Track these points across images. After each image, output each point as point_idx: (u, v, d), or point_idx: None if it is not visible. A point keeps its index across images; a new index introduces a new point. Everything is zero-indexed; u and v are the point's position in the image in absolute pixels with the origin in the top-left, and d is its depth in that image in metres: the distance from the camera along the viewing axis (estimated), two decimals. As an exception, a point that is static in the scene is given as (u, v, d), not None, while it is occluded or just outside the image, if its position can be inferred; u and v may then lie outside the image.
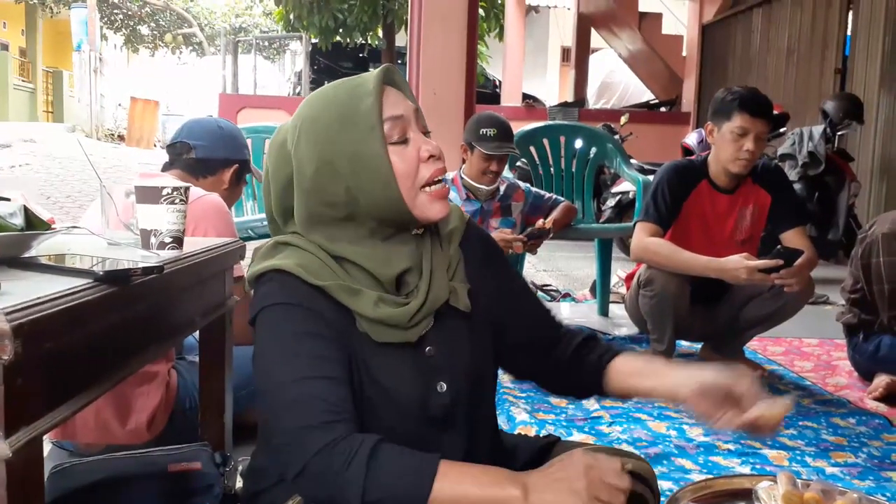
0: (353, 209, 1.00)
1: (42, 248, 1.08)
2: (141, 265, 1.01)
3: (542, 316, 1.18)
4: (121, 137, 17.07)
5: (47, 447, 1.78)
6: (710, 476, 1.59)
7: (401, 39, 9.64)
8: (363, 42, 10.50)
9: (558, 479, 0.87)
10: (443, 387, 1.03)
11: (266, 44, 18.35)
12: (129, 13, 19.55)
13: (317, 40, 10.39)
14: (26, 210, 1.05)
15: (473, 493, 0.86)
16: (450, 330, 1.05)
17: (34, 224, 1.05)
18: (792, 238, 2.52)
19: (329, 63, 11.52)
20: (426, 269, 1.03)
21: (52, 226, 1.12)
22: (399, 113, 0.99)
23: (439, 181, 1.01)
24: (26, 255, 1.02)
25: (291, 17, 10.21)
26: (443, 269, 1.05)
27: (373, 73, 1.01)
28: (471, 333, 1.07)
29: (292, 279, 0.98)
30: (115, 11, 19.32)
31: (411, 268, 1.02)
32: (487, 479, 0.88)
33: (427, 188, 1.00)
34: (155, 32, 20.21)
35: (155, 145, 15.38)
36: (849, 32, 5.82)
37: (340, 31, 10.11)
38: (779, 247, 2.36)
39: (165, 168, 1.96)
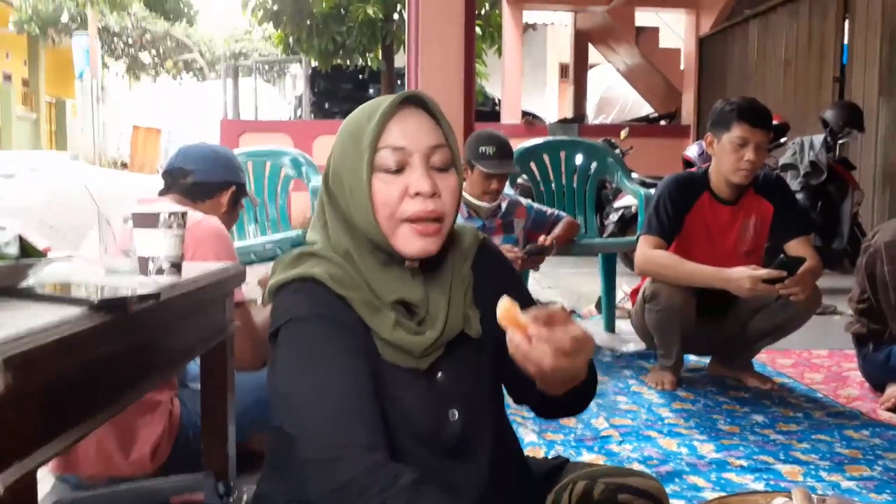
0: (353, 223, 1.00)
1: (38, 277, 1.07)
2: (137, 292, 1.00)
3: None
4: (124, 165, 17.16)
5: (50, 481, 1.75)
6: (724, 494, 1.56)
7: (400, 60, 9.67)
8: (363, 64, 10.57)
9: None
10: (454, 414, 1.01)
11: (266, 67, 18.49)
12: (130, 41, 19.72)
13: (317, 63, 10.46)
14: (21, 239, 1.04)
15: None
16: (460, 356, 1.03)
17: (29, 253, 1.04)
18: (796, 248, 2.50)
19: (329, 85, 11.59)
20: (443, 300, 1.01)
21: (48, 254, 1.11)
22: (401, 144, 0.97)
23: (429, 220, 0.97)
24: (22, 284, 1.01)
25: (291, 40, 10.30)
26: (460, 298, 1.03)
27: (391, 96, 1.00)
28: (481, 359, 1.05)
29: (319, 289, 0.97)
30: (116, 40, 19.48)
31: (412, 302, 1.00)
32: None
33: (411, 223, 0.97)
34: (156, 59, 20.37)
35: (157, 171, 15.46)
36: (845, 41, 5.83)
37: (340, 53, 10.18)
38: (781, 256, 2.34)
39: (162, 194, 1.95)
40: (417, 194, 0.97)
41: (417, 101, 1.01)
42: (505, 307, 0.91)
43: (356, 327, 0.97)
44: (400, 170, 0.98)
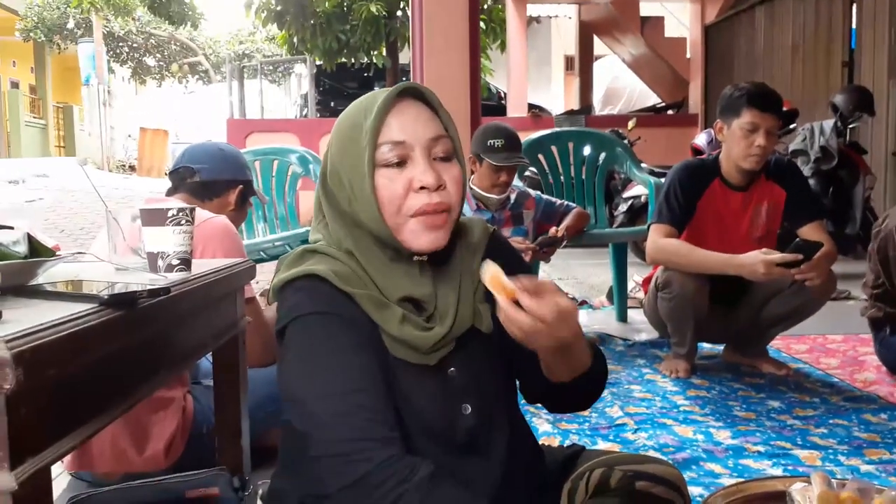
0: (356, 220, 0.98)
1: (48, 275, 1.07)
2: (147, 288, 0.99)
3: None
4: (132, 168, 17.23)
5: (66, 479, 1.76)
6: (742, 479, 1.55)
7: (405, 57, 9.67)
8: (368, 62, 10.55)
9: None
10: (467, 409, 1.00)
11: (271, 68, 18.52)
12: (135, 45, 19.80)
13: (321, 62, 10.45)
14: (30, 238, 1.04)
15: None
16: (472, 351, 1.02)
17: (39, 251, 1.04)
18: (810, 233, 2.48)
19: (334, 84, 11.58)
20: (452, 295, 1.00)
21: (57, 253, 1.11)
22: (401, 139, 0.96)
23: (436, 213, 0.96)
24: (32, 282, 1.01)
25: (295, 40, 10.29)
26: (470, 293, 1.02)
27: (385, 91, 0.98)
28: (493, 354, 1.04)
29: (323, 286, 0.95)
30: (121, 44, 19.57)
31: (420, 298, 0.99)
32: None
33: (418, 218, 0.96)
34: (161, 63, 20.43)
35: (165, 174, 15.51)
36: (854, 25, 5.77)
37: (344, 51, 10.16)
38: (797, 240, 2.32)
39: (170, 193, 1.95)
40: (422, 188, 0.95)
41: (414, 93, 0.99)
42: (491, 273, 0.92)
43: (363, 323, 0.96)
44: (402, 164, 0.96)
